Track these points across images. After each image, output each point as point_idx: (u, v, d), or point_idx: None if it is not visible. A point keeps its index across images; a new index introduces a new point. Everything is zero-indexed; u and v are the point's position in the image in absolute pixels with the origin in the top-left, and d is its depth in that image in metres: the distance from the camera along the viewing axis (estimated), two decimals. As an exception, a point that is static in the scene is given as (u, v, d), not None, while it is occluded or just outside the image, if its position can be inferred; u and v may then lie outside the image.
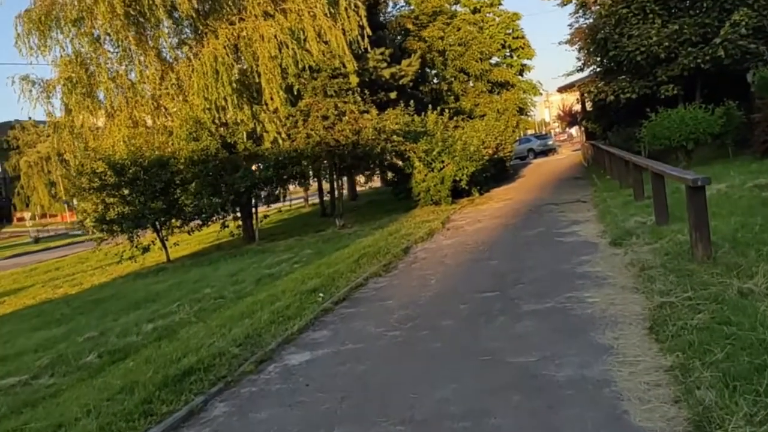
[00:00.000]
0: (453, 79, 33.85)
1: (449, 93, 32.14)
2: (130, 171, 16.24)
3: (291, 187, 21.26)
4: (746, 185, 10.55)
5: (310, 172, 16.90)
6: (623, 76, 17.76)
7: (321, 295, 8.42)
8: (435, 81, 33.91)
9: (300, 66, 17.00)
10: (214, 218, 17.71)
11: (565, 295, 6.56)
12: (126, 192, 16.65)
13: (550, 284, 7.17)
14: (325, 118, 16.22)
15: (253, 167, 17.41)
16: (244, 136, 17.00)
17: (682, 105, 16.74)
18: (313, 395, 4.97)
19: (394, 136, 16.87)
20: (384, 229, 15.06)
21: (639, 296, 5.99)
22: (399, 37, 30.43)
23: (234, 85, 16.63)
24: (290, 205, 33.87)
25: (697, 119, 15.91)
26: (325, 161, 16.45)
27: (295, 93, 17.81)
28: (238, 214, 18.57)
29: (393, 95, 23.07)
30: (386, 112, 18.12)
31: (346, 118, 16.30)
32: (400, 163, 17.53)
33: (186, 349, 6.51)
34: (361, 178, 21.91)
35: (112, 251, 18.93)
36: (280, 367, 5.85)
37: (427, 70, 33.25)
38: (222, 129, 17.18)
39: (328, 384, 5.18)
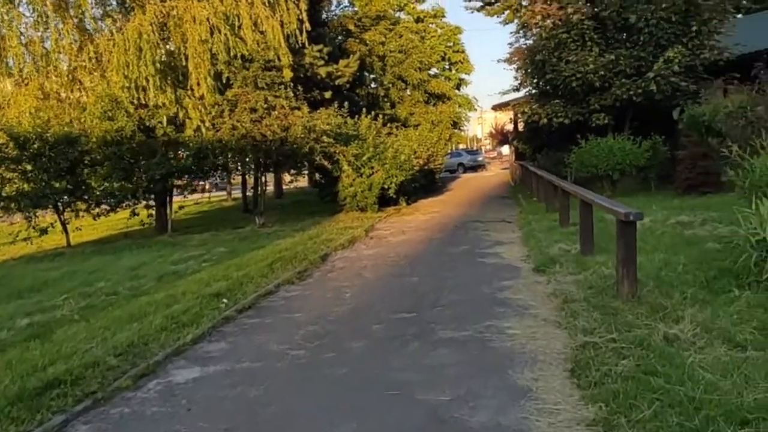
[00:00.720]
0: (391, 85, 33.53)
1: (386, 99, 31.78)
2: (34, 145, 14.95)
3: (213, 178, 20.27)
4: (669, 221, 10.57)
5: (234, 165, 15.99)
6: (558, 101, 17.83)
7: (225, 300, 7.72)
8: (373, 86, 33.49)
9: (232, 53, 16.16)
10: (124, 204, 16.56)
11: (485, 323, 6.16)
12: (28, 168, 15.33)
13: (469, 309, 6.77)
14: (253, 110, 15.41)
15: (177, 154, 16.37)
16: (165, 120, 15.96)
17: (612, 135, 16.94)
18: (193, 424, 4.31)
19: (324, 137, 16.25)
20: (305, 232, 14.42)
21: (561, 332, 5.64)
22: (340, 38, 29.85)
23: (158, 65, 15.61)
24: (209, 198, 32.57)
25: (625, 150, 16.11)
26: (249, 156, 15.62)
27: (224, 81, 16.92)
28: (152, 203, 17.45)
29: (328, 95, 22.41)
30: (319, 111, 17.46)
31: (276, 113, 15.55)
32: (328, 165, 16.91)
33: (57, 355, 5.69)
34: (287, 177, 21.11)
35: (7, 230, 17.42)
36: (163, 384, 5.15)
37: (366, 74, 32.83)
38: (141, 111, 16.07)
39: (213, 410, 4.53)
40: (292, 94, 16.99)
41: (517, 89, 20.96)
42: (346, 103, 19.28)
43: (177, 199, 19.38)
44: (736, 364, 4.23)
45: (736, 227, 9.65)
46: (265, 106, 15.54)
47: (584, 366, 4.59)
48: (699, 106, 14.22)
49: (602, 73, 16.18)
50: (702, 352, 4.56)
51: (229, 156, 16.02)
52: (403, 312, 6.90)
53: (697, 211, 11.77)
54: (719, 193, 14.54)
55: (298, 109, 16.36)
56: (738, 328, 5.00)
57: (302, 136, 15.52)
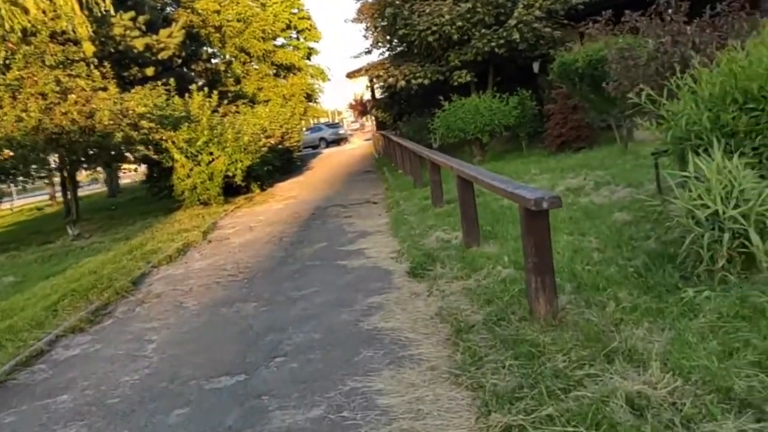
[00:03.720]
0: (233, 59, 30.30)
1: (228, 74, 28.58)
2: None
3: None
4: (558, 187, 8.97)
5: (26, 168, 12.57)
6: (415, 60, 15.98)
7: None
8: (213, 61, 30.11)
9: (8, 26, 12.65)
10: None
11: (345, 386, 4.01)
12: None
13: (323, 357, 4.58)
14: (43, 96, 12.10)
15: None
16: None
17: (476, 93, 15.40)
18: None
19: (143, 122, 13.24)
20: (128, 242, 11.55)
21: (463, 394, 3.61)
22: (165, 7, 26.15)
23: None
24: (10, 209, 27.54)
25: (492, 109, 14.60)
26: (43, 153, 12.29)
27: (3, 62, 13.33)
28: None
29: (150, 71, 19.07)
30: (133, 90, 14.33)
31: (74, 96, 12.33)
32: (153, 154, 13.95)
33: None
34: (131, 167, 17.63)
35: None
36: None
37: (205, 48, 29.37)
38: None
39: None
40: (97, 73, 13.75)
41: (369, 51, 18.91)
42: (178, 81, 16.23)
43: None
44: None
45: (634, 189, 8.20)
46: (58, 89, 12.26)
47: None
48: (568, 53, 12.85)
49: (460, 24, 14.45)
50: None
51: (22, 153, 12.57)
52: (226, 374, 4.58)
53: (581, 171, 10.34)
54: (594, 148, 13.43)
55: (105, 89, 13.18)
56: (728, 364, 3.19)
57: (111, 122, 12.43)
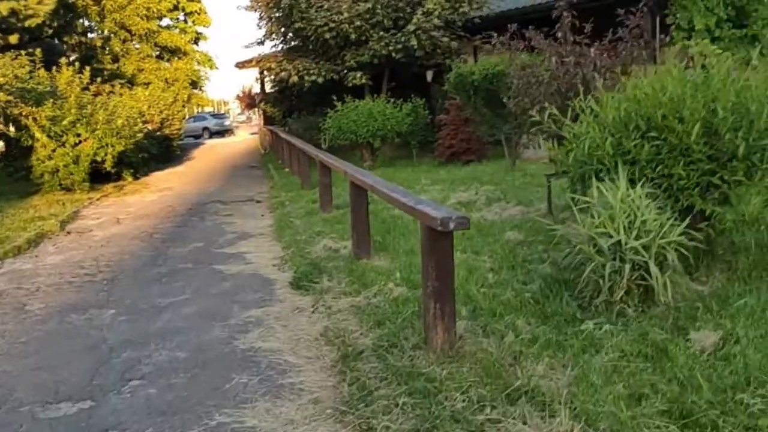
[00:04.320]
0: (112, 35, 28.13)
1: (106, 51, 26.45)
2: None
3: None
4: (449, 201, 8.78)
5: None
6: (309, 56, 15.41)
7: None
8: (89, 35, 27.78)
9: None
10: None
11: (211, 420, 3.44)
12: None
13: (187, 384, 3.97)
14: None
15: None
16: None
17: (370, 96, 15.08)
18: None
19: (0, 94, 11.71)
20: (-31, 228, 10.13)
21: (349, 436, 3.17)
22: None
23: None
24: None
25: (386, 114, 14.34)
26: None
27: None
28: None
29: (14, 39, 17.10)
30: (-11, 58, 12.70)
31: None
32: (9, 131, 12.41)
33: None
34: None
35: None
36: None
37: (81, 21, 27.00)
38: None
39: None
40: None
41: (262, 42, 18.08)
42: (38, 51, 14.60)
43: None
44: None
45: (524, 207, 8.16)
46: None
47: None
48: (464, 64, 12.84)
49: (358, 23, 14.08)
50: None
51: None
52: (68, 399, 3.86)
53: (471, 184, 10.27)
54: (483, 162, 13.52)
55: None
56: (636, 412, 2.96)
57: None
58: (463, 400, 3.20)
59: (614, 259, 4.20)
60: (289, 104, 20.78)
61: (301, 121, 19.00)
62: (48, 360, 4.54)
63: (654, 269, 4.11)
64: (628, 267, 4.12)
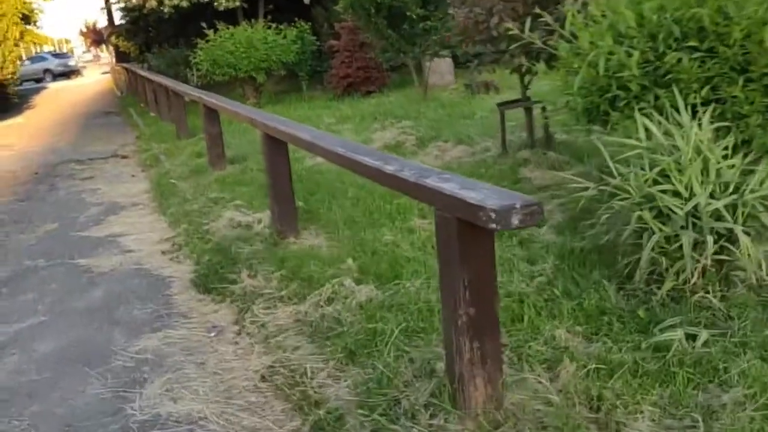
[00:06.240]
0: None
1: None
2: None
3: None
4: (373, 144, 7.20)
5: None
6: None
7: None
8: None
9: None
10: None
11: None
12: None
13: None
14: None
15: None
16: None
17: (246, 22, 12.91)
18: None
19: None
20: None
21: None
22: None
23: None
24: None
25: (268, 43, 12.29)
26: None
27: None
28: None
29: None
30: None
31: None
32: None
33: None
34: None
35: None
36: None
37: None
38: None
39: None
40: None
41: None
42: None
43: None
44: None
45: (468, 146, 6.77)
46: None
47: None
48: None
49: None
50: None
51: None
52: None
53: (385, 120, 8.80)
54: (386, 92, 12.01)
55: None
56: None
57: None
58: None
59: (685, 227, 2.92)
60: (146, 36, 17.99)
61: (163, 56, 16.37)
62: None
63: (744, 239, 2.87)
64: (711, 239, 2.86)
